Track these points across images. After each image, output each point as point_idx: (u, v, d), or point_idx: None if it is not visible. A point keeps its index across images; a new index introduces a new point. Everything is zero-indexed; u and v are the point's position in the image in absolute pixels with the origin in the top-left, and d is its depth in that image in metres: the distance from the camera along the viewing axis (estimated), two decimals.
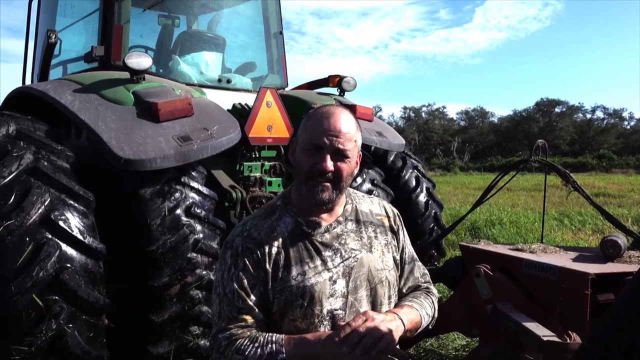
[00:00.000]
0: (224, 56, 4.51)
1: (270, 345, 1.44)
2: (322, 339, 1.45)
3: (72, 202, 2.63)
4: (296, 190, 1.62)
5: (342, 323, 1.49)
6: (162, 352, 2.88)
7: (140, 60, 3.21)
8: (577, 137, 65.23)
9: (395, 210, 1.80)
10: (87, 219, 2.67)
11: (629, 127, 69.80)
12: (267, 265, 1.52)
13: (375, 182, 4.33)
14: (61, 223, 2.51)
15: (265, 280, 1.52)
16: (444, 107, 79.15)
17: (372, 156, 4.59)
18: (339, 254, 1.58)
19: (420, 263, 1.83)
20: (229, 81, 4.30)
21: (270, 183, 3.87)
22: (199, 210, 3.07)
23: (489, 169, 42.00)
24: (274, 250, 1.54)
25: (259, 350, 1.43)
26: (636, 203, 14.06)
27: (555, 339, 2.04)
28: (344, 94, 4.64)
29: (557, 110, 68.71)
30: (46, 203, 2.52)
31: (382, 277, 1.63)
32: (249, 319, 1.50)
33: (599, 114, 67.85)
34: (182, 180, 3.08)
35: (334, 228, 1.61)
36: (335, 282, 1.54)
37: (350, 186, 4.73)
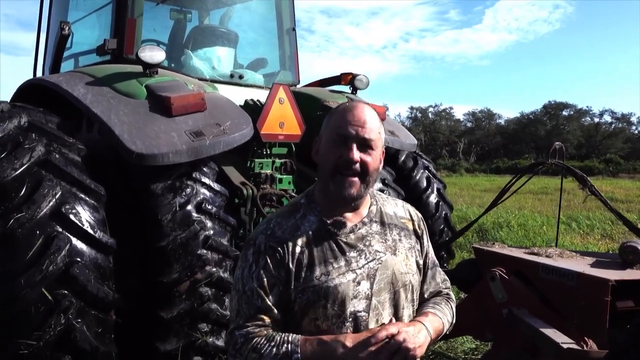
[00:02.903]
0: (236, 52, 4.48)
1: (286, 345, 1.42)
2: (342, 342, 1.41)
3: (83, 196, 2.61)
4: (321, 189, 1.59)
5: (365, 325, 1.47)
6: (170, 349, 2.85)
7: (154, 54, 3.18)
8: (584, 141, 64.89)
9: (420, 214, 1.76)
10: (97, 213, 2.64)
11: (636, 131, 69.36)
12: (290, 265, 1.49)
13: (386, 181, 4.28)
14: (72, 217, 2.49)
15: (287, 280, 1.49)
16: (451, 108, 78.83)
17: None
18: (363, 256, 1.54)
19: (440, 268, 1.79)
20: (241, 77, 4.27)
21: (280, 180, 3.84)
22: (209, 207, 3.04)
23: (494, 171, 41.86)
24: (298, 249, 1.51)
25: (274, 349, 1.41)
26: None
27: (575, 346, 2.00)
28: (356, 92, 4.59)
29: (564, 113, 68.34)
30: (57, 196, 2.49)
31: (406, 280, 1.59)
32: (267, 318, 1.48)
33: (607, 118, 67.48)
34: (194, 175, 3.05)
35: (359, 229, 1.57)
36: (359, 283, 1.51)
37: None
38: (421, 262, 1.69)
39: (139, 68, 3.27)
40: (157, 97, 3.08)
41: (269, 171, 3.77)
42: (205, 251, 2.96)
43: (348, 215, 1.58)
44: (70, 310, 2.38)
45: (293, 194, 3.81)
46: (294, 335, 1.45)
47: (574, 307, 2.33)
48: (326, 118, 1.60)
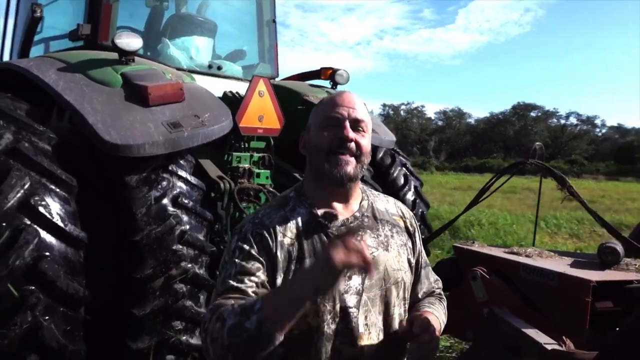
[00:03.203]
0: (214, 42, 4.37)
1: (245, 302, 1.31)
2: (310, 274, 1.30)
3: (53, 187, 2.48)
4: (314, 178, 1.54)
5: (355, 322, 1.44)
6: (142, 347, 2.75)
7: (130, 41, 3.06)
8: (550, 142, 66.43)
9: (411, 212, 1.73)
10: (68, 205, 2.53)
11: (600, 134, 71.51)
12: (278, 253, 1.43)
13: (364, 178, 4.25)
14: (41, 209, 2.37)
15: (273, 267, 1.42)
16: (423, 106, 79.85)
17: None
18: None
19: (431, 268, 1.76)
20: (219, 68, 4.16)
21: (258, 175, 3.76)
22: (186, 201, 2.94)
23: (464, 170, 42.52)
24: (287, 240, 1.45)
25: (236, 308, 1.29)
26: (608, 209, 14.34)
27: (557, 347, 2.00)
28: (336, 87, 4.54)
29: (532, 114, 69.91)
30: (26, 187, 2.37)
31: (398, 277, 1.55)
32: (241, 295, 1.35)
33: (573, 120, 69.33)
34: (170, 168, 2.95)
35: (350, 223, 1.53)
36: (350, 278, 1.46)
37: None
38: (413, 260, 1.65)
39: (114, 55, 3.14)
40: (134, 86, 2.97)
41: (246, 165, 3.69)
42: (180, 246, 2.87)
43: (339, 208, 1.53)
44: (37, 306, 2.26)
45: (271, 189, 3.74)
46: None
47: (554, 307, 2.34)
48: (313, 110, 1.58)
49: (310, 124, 1.55)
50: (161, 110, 2.96)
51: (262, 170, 3.80)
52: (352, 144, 1.46)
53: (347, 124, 1.46)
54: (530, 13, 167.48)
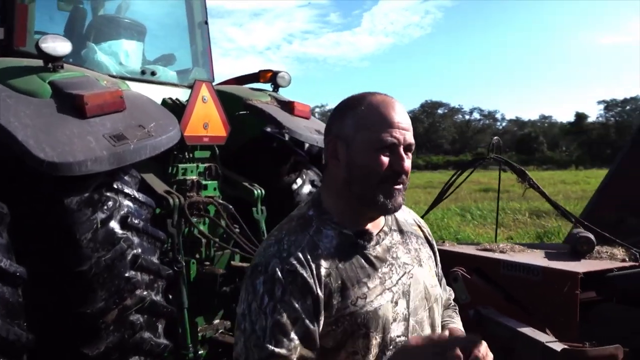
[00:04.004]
0: (144, 46, 4.02)
1: None
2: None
3: None
4: (345, 198, 1.31)
5: None
6: None
7: (57, 45, 2.71)
8: (457, 137, 70.00)
9: (422, 220, 1.58)
10: (0, 237, 2.16)
11: (501, 127, 76.33)
12: (319, 291, 1.19)
13: (315, 183, 4.10)
14: None
15: (314, 311, 1.19)
16: None
17: (307, 156, 4.35)
18: (394, 270, 1.31)
19: None
20: (153, 73, 3.83)
21: (205, 187, 3.50)
22: (136, 221, 2.64)
23: None
24: (323, 271, 1.21)
25: None
26: (518, 197, 15.20)
27: (559, 344, 1.95)
28: (278, 90, 4.36)
29: (439, 111, 73.31)
30: None
31: (437, 294, 1.40)
32: None
33: (476, 115, 73.51)
34: (115, 186, 2.63)
35: (383, 240, 1.34)
36: (396, 303, 1.28)
37: (291, 188, 4.38)
38: (439, 272, 1.52)
39: (38, 62, 2.77)
40: (66, 95, 2.61)
41: (194, 177, 3.41)
42: (134, 273, 2.57)
43: (369, 225, 1.33)
44: None
45: (221, 201, 3.49)
46: None
47: (540, 303, 2.31)
48: (351, 113, 1.29)
49: (353, 135, 1.27)
50: (101, 122, 2.64)
51: (209, 182, 3.55)
52: (405, 175, 1.27)
53: (402, 151, 1.25)
54: (430, 15, 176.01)
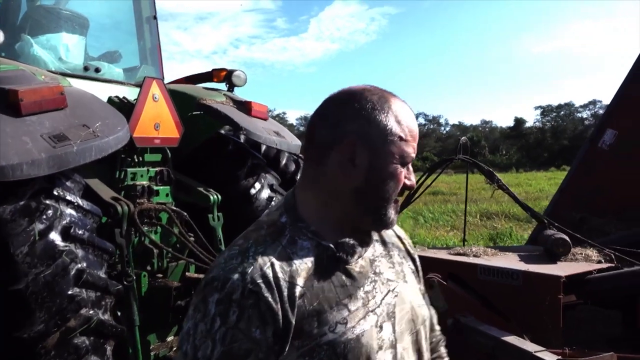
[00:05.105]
0: (87, 41, 3.71)
1: None
2: None
3: None
4: (323, 205, 1.11)
5: None
6: None
7: None
8: None
9: (402, 231, 1.40)
10: None
11: (445, 132, 78.48)
12: (288, 314, 0.98)
13: (273, 187, 3.91)
14: None
15: (275, 344, 0.97)
16: (284, 113, 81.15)
17: (264, 158, 4.15)
18: (377, 288, 1.12)
19: None
20: (97, 70, 3.52)
21: (157, 192, 3.23)
22: (80, 231, 2.37)
23: None
24: (297, 291, 1.00)
25: None
26: (468, 199, 15.52)
27: (550, 354, 1.84)
28: (233, 90, 4.13)
29: None
30: None
31: (425, 315, 1.22)
32: None
33: (421, 119, 75.22)
34: (55, 193, 2.35)
35: (365, 252, 1.15)
36: (381, 327, 1.08)
37: (249, 193, 4.13)
38: (422, 288, 1.34)
39: None
40: None
41: (144, 182, 3.15)
42: (78, 290, 2.30)
43: (351, 236, 1.12)
44: None
45: (174, 208, 3.23)
46: None
47: (521, 308, 2.21)
48: (379, 116, 1.08)
49: (382, 141, 1.08)
50: (38, 120, 2.35)
51: (162, 187, 3.29)
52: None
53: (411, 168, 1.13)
54: (375, 22, 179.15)
